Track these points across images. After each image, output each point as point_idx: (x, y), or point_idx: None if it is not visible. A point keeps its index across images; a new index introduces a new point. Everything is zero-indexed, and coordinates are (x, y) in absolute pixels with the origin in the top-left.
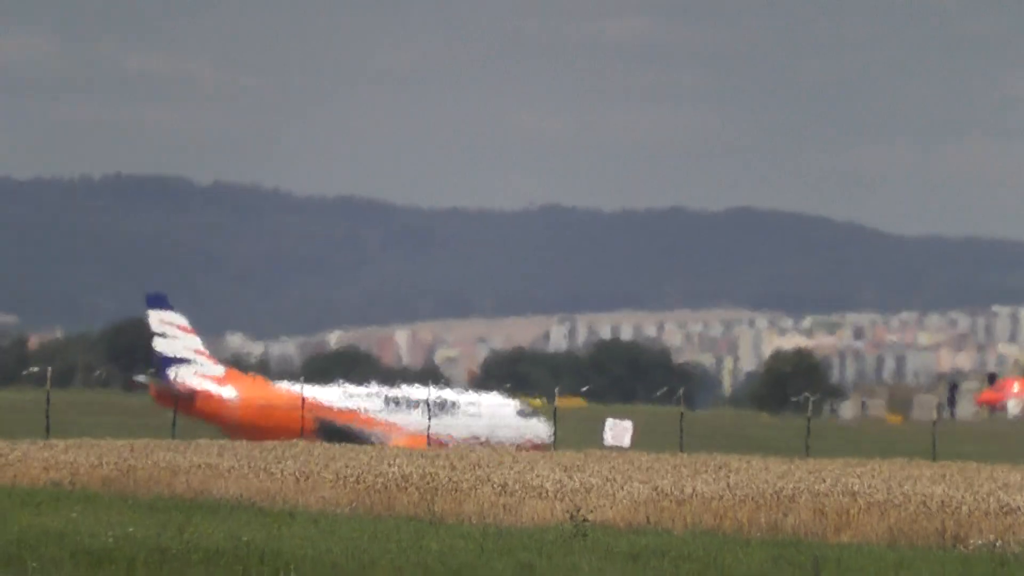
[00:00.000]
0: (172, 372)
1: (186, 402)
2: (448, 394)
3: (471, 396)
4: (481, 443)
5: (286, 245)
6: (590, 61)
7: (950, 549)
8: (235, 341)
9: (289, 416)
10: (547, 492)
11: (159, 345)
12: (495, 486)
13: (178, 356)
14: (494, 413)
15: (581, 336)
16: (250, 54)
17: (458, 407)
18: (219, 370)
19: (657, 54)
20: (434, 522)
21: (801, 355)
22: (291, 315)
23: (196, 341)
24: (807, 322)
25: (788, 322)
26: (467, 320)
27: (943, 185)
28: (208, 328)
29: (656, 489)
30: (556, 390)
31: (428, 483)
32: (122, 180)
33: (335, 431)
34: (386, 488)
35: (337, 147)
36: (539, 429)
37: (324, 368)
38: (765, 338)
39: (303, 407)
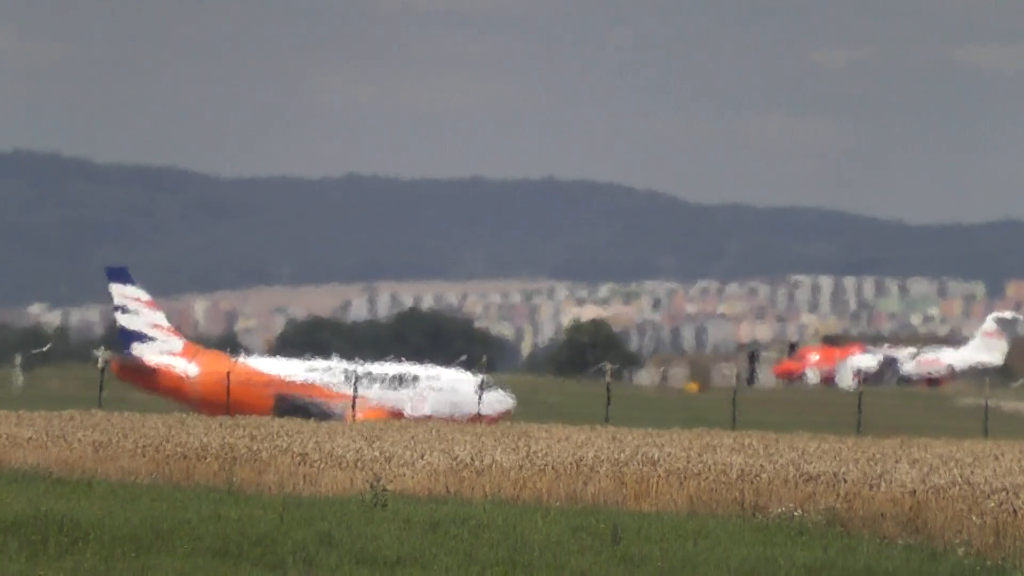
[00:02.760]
0: (133, 348)
1: (147, 378)
2: (409, 368)
3: (432, 370)
4: (445, 416)
5: (85, 214)
6: (393, 28)
7: (750, 518)
8: (35, 310)
9: (250, 391)
10: (347, 462)
11: (121, 320)
12: (295, 456)
13: (139, 331)
14: (455, 387)
15: (382, 305)
16: (53, 21)
17: (419, 381)
18: (178, 345)
19: (459, 21)
20: (233, 492)
21: (598, 326)
22: (90, 284)
23: (158, 316)
24: (604, 291)
25: (586, 292)
26: (266, 289)
27: (743, 154)
28: (7, 298)
29: (456, 459)
30: (356, 360)
31: (227, 453)
32: None
33: (293, 406)
34: (185, 458)
35: (137, 115)
36: (499, 401)
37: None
38: (564, 308)
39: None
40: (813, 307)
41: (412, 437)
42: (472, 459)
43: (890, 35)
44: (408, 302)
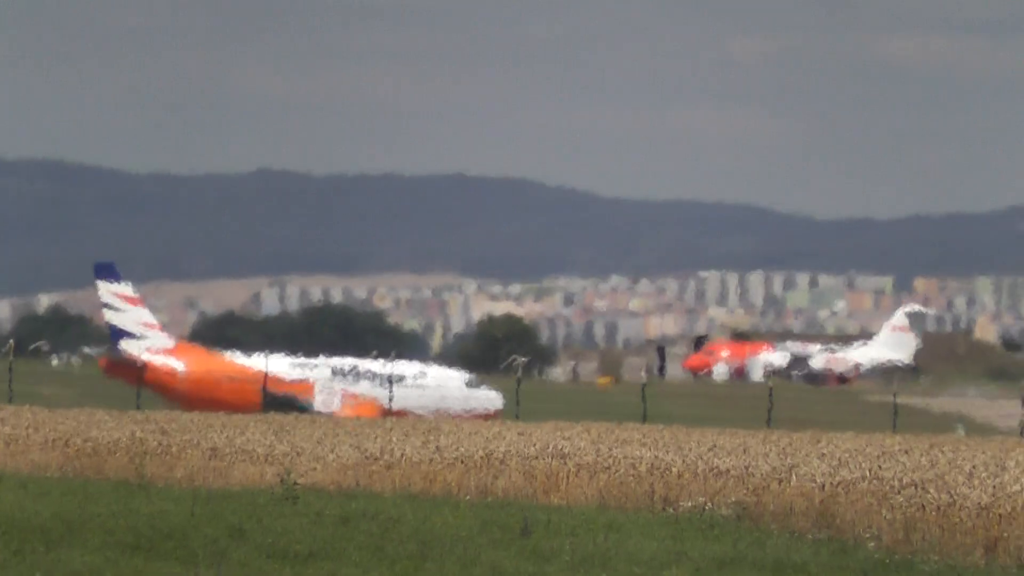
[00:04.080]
0: (122, 345)
1: (136, 375)
2: (396, 366)
3: (419, 367)
4: (432, 413)
5: None
6: (305, 22)
7: (660, 511)
8: None
9: (239, 388)
10: (257, 456)
11: (108, 317)
12: (205, 450)
13: (127, 328)
14: (442, 384)
15: (292, 299)
16: None
17: (406, 378)
18: (169, 342)
19: (372, 14)
20: (144, 486)
21: (511, 320)
22: (0, 277)
23: (145, 313)
24: (517, 288)
25: (498, 287)
26: (177, 282)
27: (653, 149)
28: None
29: (365, 453)
30: (266, 354)
31: (138, 447)
32: None
33: (280, 402)
34: (96, 452)
35: (47, 109)
36: (488, 399)
37: (35, 330)
38: (474, 303)
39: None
40: (722, 302)
41: (322, 431)
42: (381, 453)
43: (803, 27)
44: (317, 296)
